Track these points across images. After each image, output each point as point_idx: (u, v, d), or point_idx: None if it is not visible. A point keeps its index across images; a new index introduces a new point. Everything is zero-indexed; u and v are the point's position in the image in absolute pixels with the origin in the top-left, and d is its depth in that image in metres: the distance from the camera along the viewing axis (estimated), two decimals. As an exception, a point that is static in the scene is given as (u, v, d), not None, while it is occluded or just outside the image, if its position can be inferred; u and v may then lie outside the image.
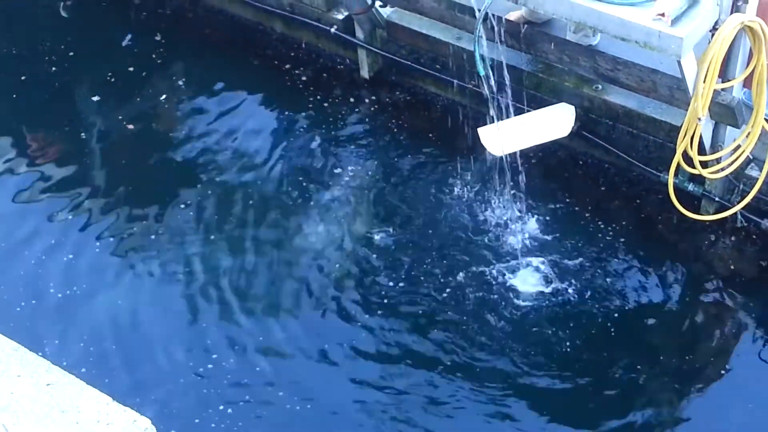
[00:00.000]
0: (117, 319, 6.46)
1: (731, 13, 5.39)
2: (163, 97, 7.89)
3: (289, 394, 6.05)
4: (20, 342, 3.03)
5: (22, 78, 8.11)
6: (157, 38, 8.37)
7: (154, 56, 8.22)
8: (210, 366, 6.19)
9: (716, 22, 5.45)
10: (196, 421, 5.92)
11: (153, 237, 6.92)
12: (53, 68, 8.19)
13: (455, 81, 7.22)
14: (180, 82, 8.02)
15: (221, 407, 5.98)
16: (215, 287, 6.62)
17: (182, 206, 7.09)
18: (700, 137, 5.81)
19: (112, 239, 6.92)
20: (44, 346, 6.15)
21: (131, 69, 8.10)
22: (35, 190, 7.29)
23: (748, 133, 5.87)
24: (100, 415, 2.86)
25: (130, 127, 7.64)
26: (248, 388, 6.10)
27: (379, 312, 6.45)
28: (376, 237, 6.85)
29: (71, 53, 8.32)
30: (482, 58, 6.01)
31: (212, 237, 6.89)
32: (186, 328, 6.42)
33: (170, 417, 5.88)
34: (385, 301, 6.50)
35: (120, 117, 7.72)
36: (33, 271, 6.72)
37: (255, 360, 6.24)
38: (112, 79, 8.04)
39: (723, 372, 6.10)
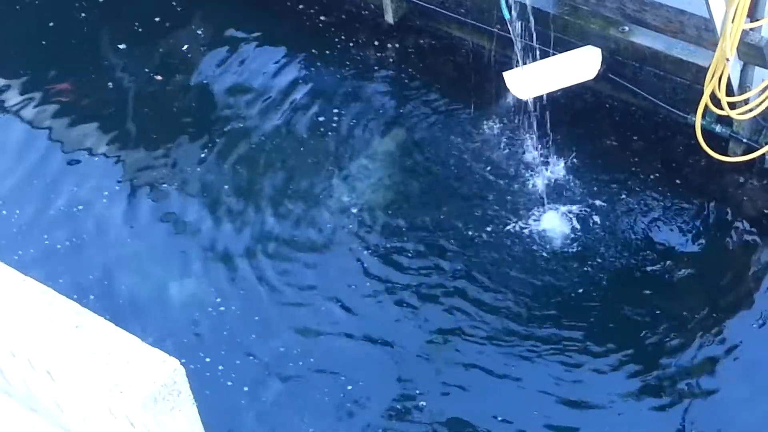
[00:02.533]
0: (130, 264, 6.57)
1: (760, -50, 5.31)
2: (190, 44, 7.89)
3: (306, 352, 6.13)
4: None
5: (51, 24, 8.13)
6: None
7: (177, 3, 8.19)
8: (218, 311, 6.28)
9: (745, -40, 5.36)
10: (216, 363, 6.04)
11: (172, 185, 6.99)
12: (82, 14, 8.21)
13: (480, 25, 7.17)
14: (206, 30, 8.00)
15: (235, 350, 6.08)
16: (232, 234, 6.70)
17: (203, 153, 7.13)
18: (728, 78, 5.76)
19: (130, 186, 6.99)
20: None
21: (157, 19, 8.10)
22: (60, 135, 7.34)
23: (777, 74, 5.81)
24: (129, 356, 2.90)
25: (159, 78, 7.66)
26: (263, 340, 6.18)
27: (403, 258, 6.50)
28: (401, 183, 6.88)
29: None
30: (507, 1, 5.96)
31: (233, 183, 6.96)
32: (196, 274, 6.49)
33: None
34: (411, 246, 6.55)
35: (146, 65, 7.75)
36: (48, 215, 6.82)
37: (267, 309, 6.33)
38: (139, 29, 8.04)
39: (752, 312, 6.12)
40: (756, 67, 5.95)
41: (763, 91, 5.93)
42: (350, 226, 6.66)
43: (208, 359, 6.02)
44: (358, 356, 6.04)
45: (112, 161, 7.16)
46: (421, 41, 7.70)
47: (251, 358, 6.04)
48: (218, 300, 6.32)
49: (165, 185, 6.98)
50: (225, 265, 6.51)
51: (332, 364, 6.00)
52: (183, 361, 2.88)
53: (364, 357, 6.04)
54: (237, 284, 6.41)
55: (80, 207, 6.85)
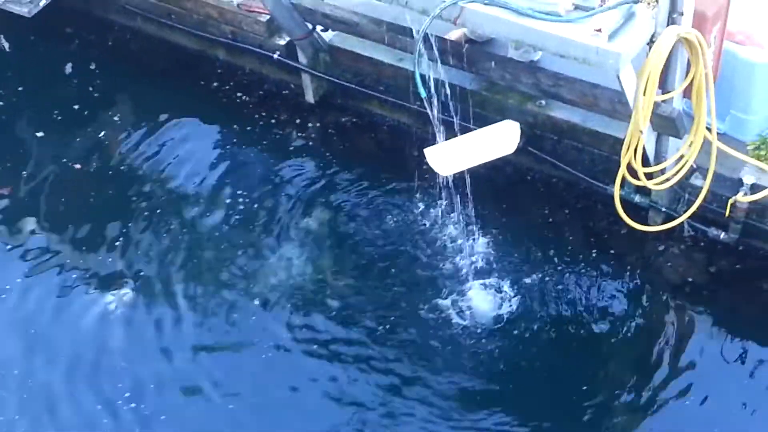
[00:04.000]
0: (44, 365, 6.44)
1: (667, 25, 5.42)
2: (108, 130, 7.83)
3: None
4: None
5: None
6: (96, 70, 8.30)
7: (94, 89, 8.15)
8: (138, 408, 6.17)
9: (653, 35, 5.48)
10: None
11: (87, 275, 6.89)
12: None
13: (400, 102, 7.22)
14: (124, 114, 7.95)
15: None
16: (149, 325, 6.62)
17: (118, 242, 7.05)
18: (644, 149, 5.85)
19: (41, 278, 6.87)
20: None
21: (76, 106, 8.03)
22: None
23: (691, 143, 5.91)
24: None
25: (77, 167, 7.57)
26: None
27: (325, 340, 6.46)
28: (323, 261, 6.85)
29: (20, 87, 8.26)
30: (423, 79, 5.99)
31: (152, 270, 6.89)
32: (117, 368, 6.40)
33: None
34: (333, 326, 6.50)
35: (64, 153, 7.66)
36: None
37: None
38: (59, 117, 7.97)
39: (677, 378, 6.15)
40: (671, 138, 6.05)
41: (678, 160, 6.03)
42: (273, 314, 6.58)
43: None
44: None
45: (24, 252, 7.03)
46: (343, 119, 7.72)
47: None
48: (127, 396, 6.21)
49: (78, 278, 6.87)
50: (139, 360, 6.42)
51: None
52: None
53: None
54: (151, 380, 6.31)
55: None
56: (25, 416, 6.13)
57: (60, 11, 8.20)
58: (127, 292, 6.73)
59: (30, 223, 7.21)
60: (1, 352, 6.47)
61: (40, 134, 7.87)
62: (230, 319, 6.58)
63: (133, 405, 6.16)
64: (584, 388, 6.12)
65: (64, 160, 7.62)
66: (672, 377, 6.16)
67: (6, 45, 8.56)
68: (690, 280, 6.56)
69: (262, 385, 6.25)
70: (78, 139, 7.76)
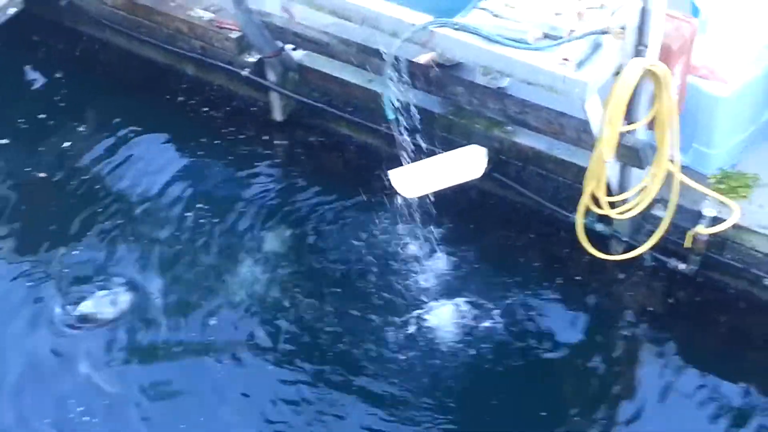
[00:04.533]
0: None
1: (633, 57, 5.49)
2: (74, 140, 7.78)
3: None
4: None
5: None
6: (63, 80, 8.26)
7: (60, 99, 8.11)
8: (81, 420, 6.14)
9: (619, 66, 5.55)
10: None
11: (47, 285, 6.85)
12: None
13: (367, 123, 7.24)
14: (90, 125, 7.90)
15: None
16: (104, 339, 6.58)
17: (77, 251, 7.03)
18: (608, 178, 5.90)
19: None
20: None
21: (42, 116, 7.98)
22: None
23: (654, 174, 5.97)
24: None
25: (41, 176, 7.53)
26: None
27: (290, 357, 6.45)
28: (285, 277, 6.84)
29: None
30: (391, 101, 6.03)
31: (113, 283, 6.85)
32: (74, 380, 6.38)
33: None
34: (294, 345, 6.51)
35: (28, 162, 7.61)
36: None
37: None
38: (24, 126, 7.92)
39: (634, 406, 6.19)
40: (634, 168, 6.11)
41: (640, 191, 6.09)
42: (231, 330, 6.57)
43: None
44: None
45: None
46: (310, 138, 7.72)
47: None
48: (81, 410, 6.18)
49: (34, 287, 6.82)
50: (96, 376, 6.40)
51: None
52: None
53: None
54: (103, 395, 6.29)
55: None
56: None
57: (28, 19, 8.14)
58: (84, 303, 6.68)
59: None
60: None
61: (4, 142, 7.81)
62: (185, 335, 6.56)
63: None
64: (543, 413, 6.14)
65: (28, 169, 7.57)
66: (628, 406, 6.20)
67: None
68: (649, 309, 6.62)
69: (215, 404, 6.23)
70: (42, 149, 7.71)
